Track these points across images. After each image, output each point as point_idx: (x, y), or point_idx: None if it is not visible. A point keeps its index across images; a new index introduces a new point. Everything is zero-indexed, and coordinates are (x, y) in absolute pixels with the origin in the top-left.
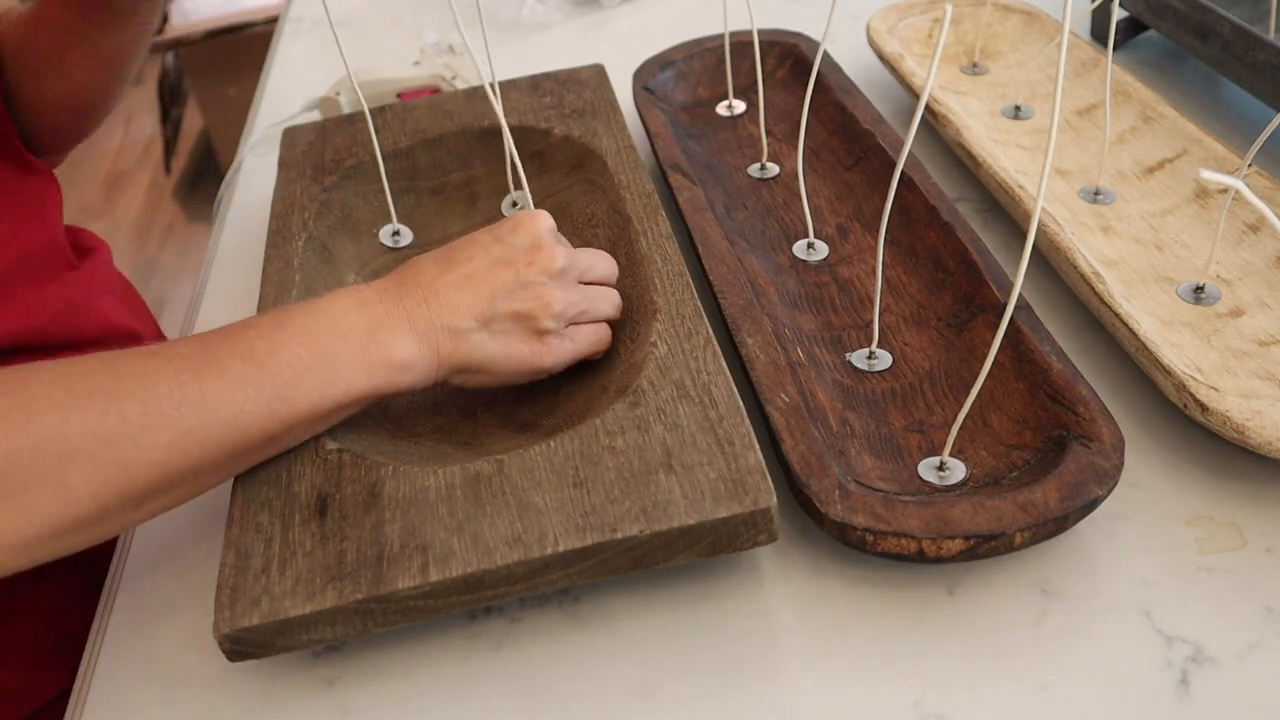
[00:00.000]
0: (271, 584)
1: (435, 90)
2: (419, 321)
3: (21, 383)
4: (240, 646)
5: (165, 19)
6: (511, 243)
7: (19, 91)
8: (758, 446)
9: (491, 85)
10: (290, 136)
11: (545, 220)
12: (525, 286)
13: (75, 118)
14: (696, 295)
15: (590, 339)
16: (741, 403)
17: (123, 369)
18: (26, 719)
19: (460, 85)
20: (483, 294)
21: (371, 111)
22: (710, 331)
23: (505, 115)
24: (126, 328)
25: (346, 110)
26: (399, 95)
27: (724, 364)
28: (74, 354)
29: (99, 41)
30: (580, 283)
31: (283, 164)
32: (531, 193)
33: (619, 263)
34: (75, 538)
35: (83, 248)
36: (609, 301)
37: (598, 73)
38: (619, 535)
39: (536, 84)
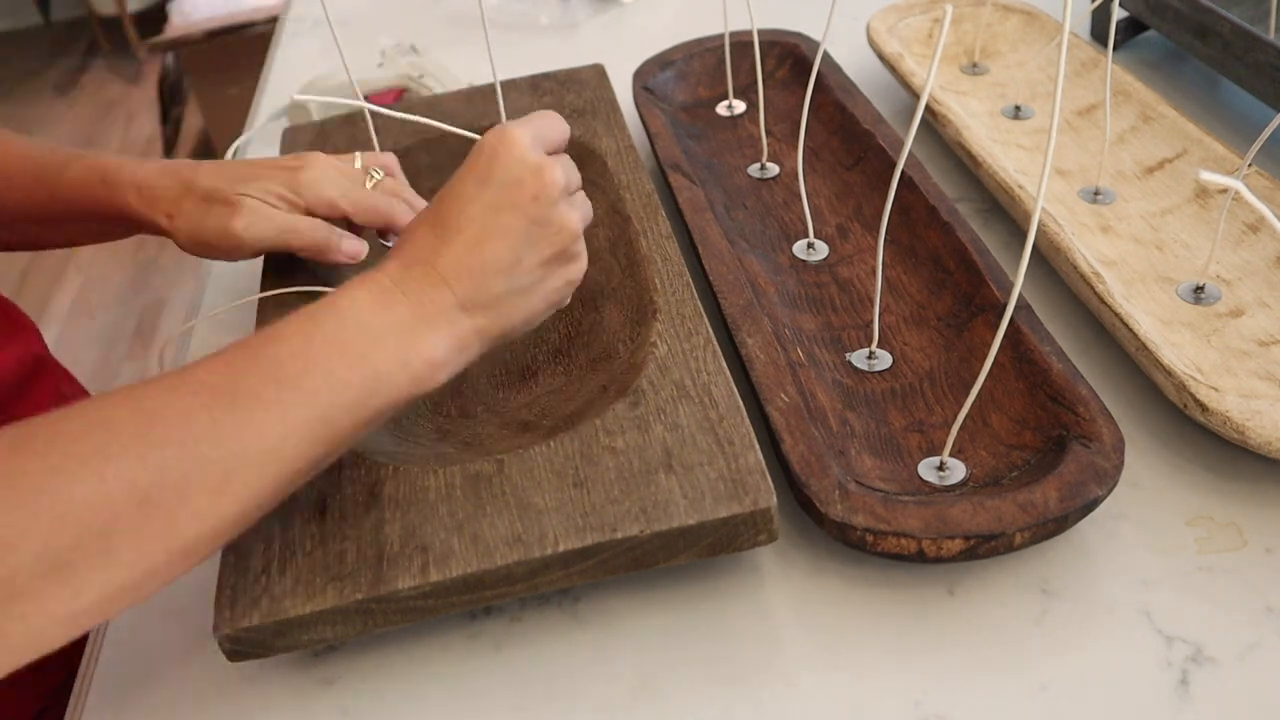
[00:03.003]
0: (271, 584)
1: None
2: (445, 307)
3: (47, 439)
4: (240, 646)
5: (165, 19)
6: (500, 182)
7: None
8: (758, 446)
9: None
10: (290, 137)
11: (519, 139)
12: (540, 225)
13: None
14: (696, 295)
15: (587, 211)
16: (741, 403)
17: (153, 409)
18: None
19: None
20: (500, 254)
21: (371, 112)
22: (710, 331)
23: (506, 116)
24: None
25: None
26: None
27: (724, 364)
28: None
29: (68, 236)
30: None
31: None
32: None
33: (619, 262)
34: (124, 602)
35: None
36: (578, 173)
37: (598, 73)
38: (619, 535)
39: (536, 84)
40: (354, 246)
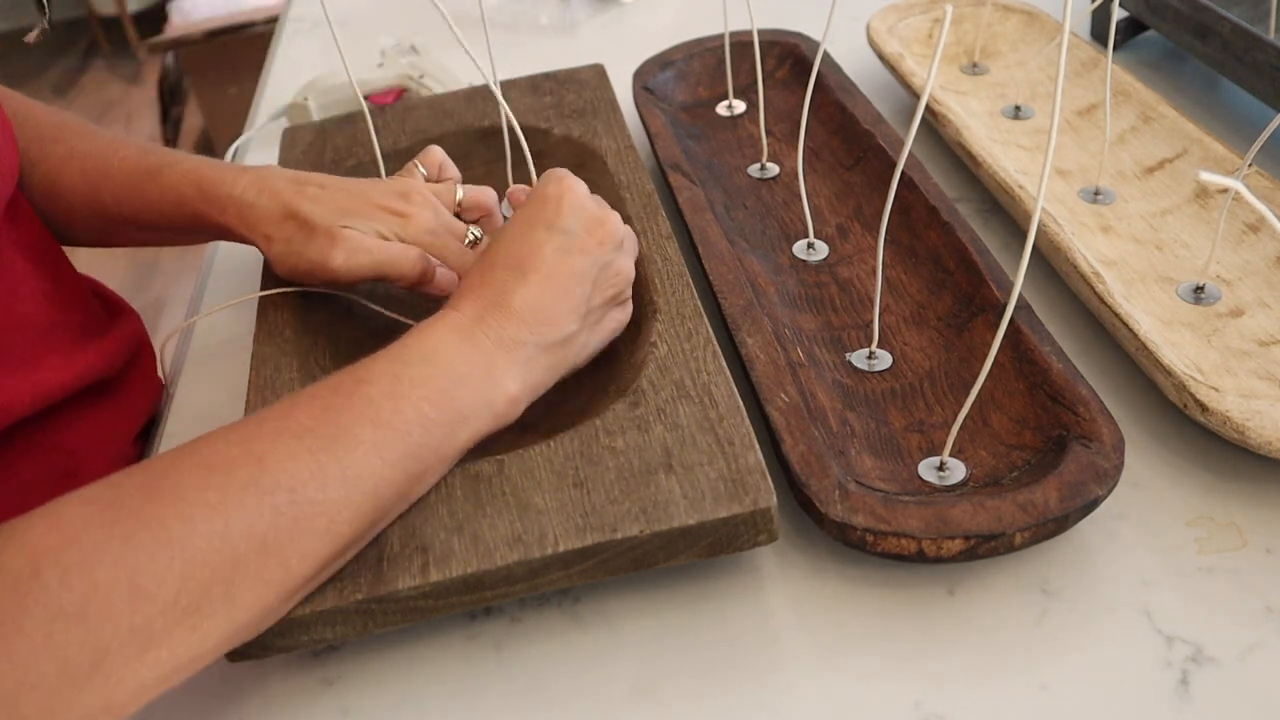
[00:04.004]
0: None
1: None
2: (524, 345)
3: (172, 485)
4: (240, 646)
5: (165, 19)
6: (569, 229)
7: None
8: (758, 446)
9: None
10: (290, 136)
11: (578, 187)
12: (603, 269)
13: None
14: (696, 295)
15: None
16: (741, 403)
17: (263, 453)
18: None
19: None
20: (572, 295)
21: (371, 111)
22: (710, 331)
23: (505, 116)
24: None
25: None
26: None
27: (724, 364)
28: None
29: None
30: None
31: (283, 164)
32: None
33: None
34: (237, 642)
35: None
36: (632, 239)
37: (597, 73)
38: (619, 535)
39: (536, 84)
40: (449, 280)
